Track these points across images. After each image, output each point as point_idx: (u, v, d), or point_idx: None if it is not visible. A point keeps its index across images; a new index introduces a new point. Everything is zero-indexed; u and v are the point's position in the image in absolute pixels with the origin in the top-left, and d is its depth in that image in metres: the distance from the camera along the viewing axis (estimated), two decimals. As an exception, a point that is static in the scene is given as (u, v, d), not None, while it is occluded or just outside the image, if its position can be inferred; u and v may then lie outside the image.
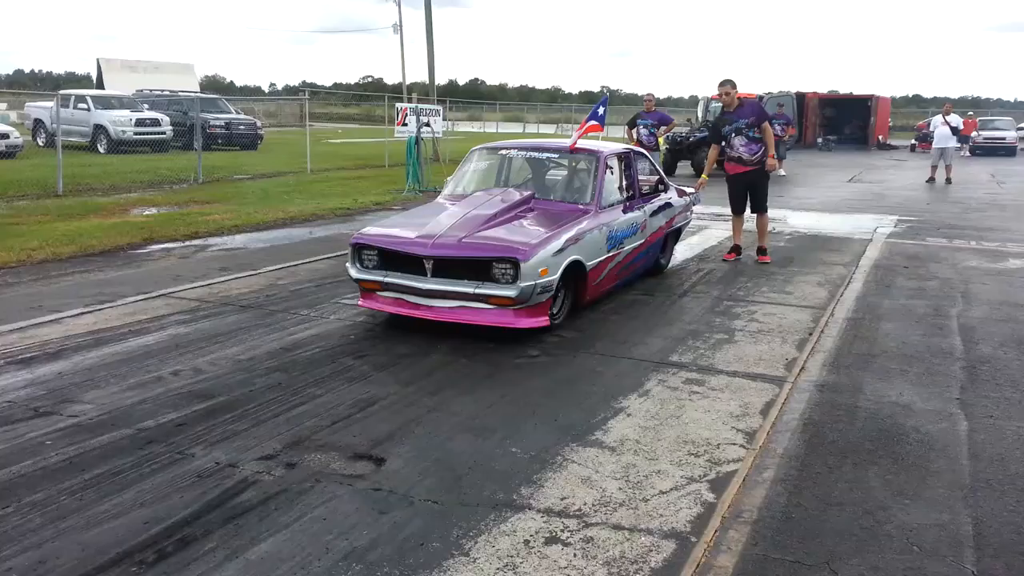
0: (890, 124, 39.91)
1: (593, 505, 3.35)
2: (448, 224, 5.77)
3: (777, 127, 20.09)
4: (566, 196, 6.79)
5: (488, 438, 3.99)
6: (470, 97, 60.61)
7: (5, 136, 18.65)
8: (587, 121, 7.44)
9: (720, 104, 9.08)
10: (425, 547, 2.99)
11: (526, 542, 3.05)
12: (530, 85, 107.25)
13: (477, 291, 5.40)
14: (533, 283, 5.33)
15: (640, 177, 7.48)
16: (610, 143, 8.08)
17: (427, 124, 15.46)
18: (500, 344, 5.44)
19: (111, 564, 2.84)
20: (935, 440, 4.10)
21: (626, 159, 7.28)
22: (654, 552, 3.02)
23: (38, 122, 22.79)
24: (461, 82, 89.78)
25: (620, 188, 7.02)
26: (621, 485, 3.54)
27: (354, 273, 5.88)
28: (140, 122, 21.31)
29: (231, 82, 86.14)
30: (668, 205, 7.89)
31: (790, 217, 12.34)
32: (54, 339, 5.45)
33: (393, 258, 5.69)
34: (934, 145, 19.43)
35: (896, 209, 13.73)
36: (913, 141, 33.92)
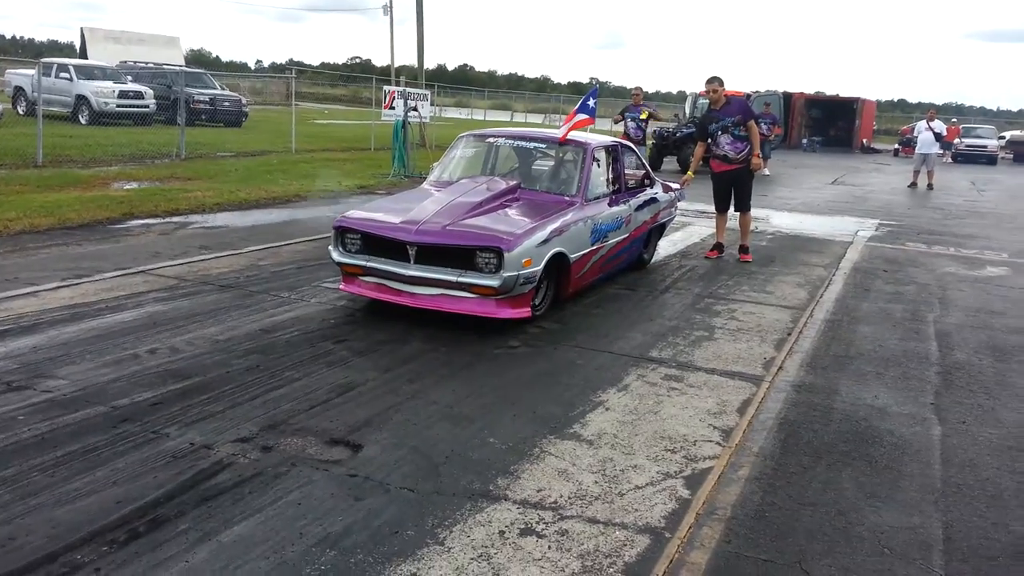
0: (874, 128, 40.26)
1: (569, 498, 3.36)
2: (433, 210, 5.73)
3: (763, 126, 20.09)
4: (552, 187, 6.76)
5: (466, 427, 3.98)
6: (458, 83, 60.28)
7: (-16, 103, 18.32)
8: (577, 113, 7.37)
9: (708, 101, 9.10)
10: (400, 535, 2.99)
11: (501, 533, 3.06)
12: (519, 73, 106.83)
13: (460, 279, 5.37)
14: (516, 273, 5.32)
15: (627, 171, 7.48)
16: (598, 135, 8.06)
17: (414, 109, 15.38)
18: (480, 334, 5.43)
19: (82, 543, 2.81)
20: (908, 444, 4.15)
21: (613, 152, 7.27)
22: (628, 546, 3.03)
23: (19, 90, 22.35)
24: (450, 67, 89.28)
25: (606, 181, 7.01)
26: (597, 479, 3.55)
27: (336, 256, 5.83)
28: (123, 94, 20.97)
29: (217, 57, 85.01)
30: (653, 200, 7.90)
31: (773, 217, 12.41)
32: (29, 312, 5.37)
33: (376, 243, 5.65)
34: (917, 150, 19.62)
35: (877, 213, 13.86)
36: (896, 145, 34.22)
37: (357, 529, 3.01)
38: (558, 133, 7.21)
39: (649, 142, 16.78)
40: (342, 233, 5.79)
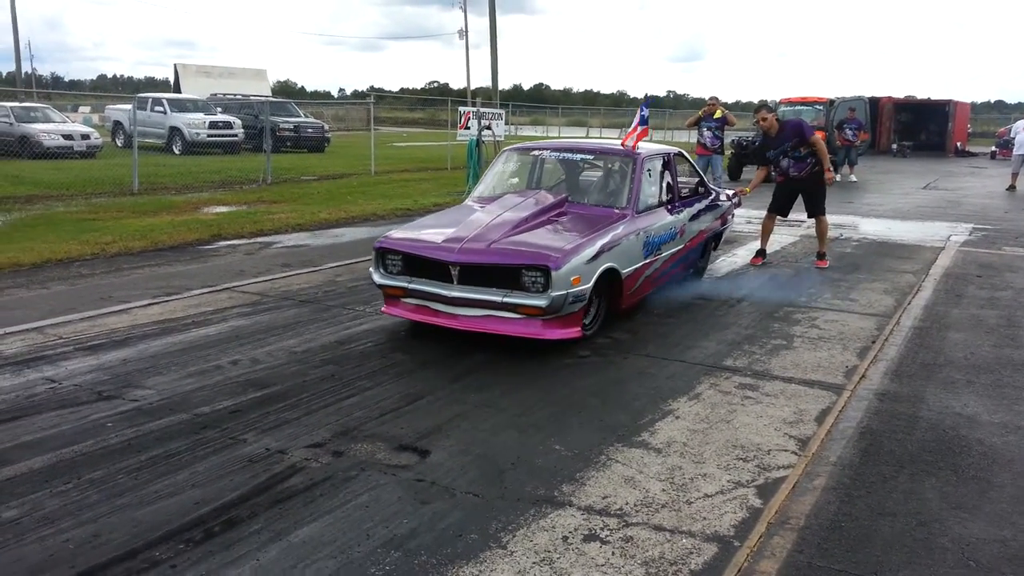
0: (969, 130, 38.42)
1: (635, 505, 3.31)
2: (476, 228, 5.46)
3: (849, 132, 19.58)
4: (601, 200, 6.43)
5: (532, 435, 3.98)
6: (534, 101, 60.77)
7: (86, 137, 19.57)
8: (637, 127, 7.18)
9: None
10: (464, 538, 3.01)
11: (564, 538, 3.04)
12: (595, 90, 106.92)
13: (505, 300, 5.09)
14: (565, 292, 5.04)
15: (680, 179, 7.25)
16: (648, 144, 7.91)
17: (488, 128, 15.55)
18: (548, 345, 5.41)
19: (160, 541, 2.93)
20: (1000, 453, 3.93)
21: (664, 160, 6.99)
22: (695, 554, 2.96)
23: (117, 124, 23.78)
24: (526, 87, 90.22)
25: (658, 191, 6.73)
26: (665, 487, 3.49)
27: (377, 279, 5.57)
28: (213, 124, 22.02)
29: (302, 87, 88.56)
30: (708, 208, 7.60)
31: (860, 224, 12.00)
32: (121, 328, 5.67)
33: (418, 263, 5.39)
34: (1015, 152, 18.62)
35: (972, 217, 13.21)
36: (993, 148, 32.54)
37: (422, 532, 3.05)
38: (607, 144, 7.03)
39: (728, 151, 16.47)
40: (383, 254, 5.55)
